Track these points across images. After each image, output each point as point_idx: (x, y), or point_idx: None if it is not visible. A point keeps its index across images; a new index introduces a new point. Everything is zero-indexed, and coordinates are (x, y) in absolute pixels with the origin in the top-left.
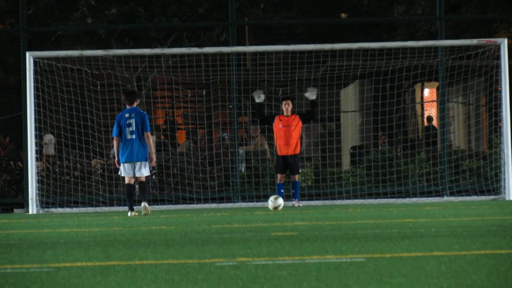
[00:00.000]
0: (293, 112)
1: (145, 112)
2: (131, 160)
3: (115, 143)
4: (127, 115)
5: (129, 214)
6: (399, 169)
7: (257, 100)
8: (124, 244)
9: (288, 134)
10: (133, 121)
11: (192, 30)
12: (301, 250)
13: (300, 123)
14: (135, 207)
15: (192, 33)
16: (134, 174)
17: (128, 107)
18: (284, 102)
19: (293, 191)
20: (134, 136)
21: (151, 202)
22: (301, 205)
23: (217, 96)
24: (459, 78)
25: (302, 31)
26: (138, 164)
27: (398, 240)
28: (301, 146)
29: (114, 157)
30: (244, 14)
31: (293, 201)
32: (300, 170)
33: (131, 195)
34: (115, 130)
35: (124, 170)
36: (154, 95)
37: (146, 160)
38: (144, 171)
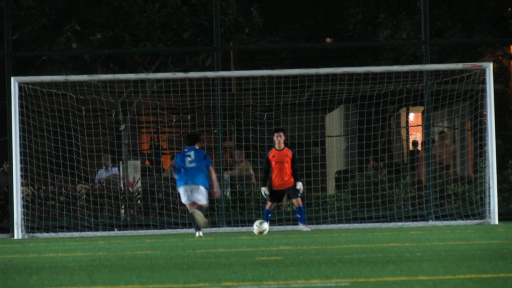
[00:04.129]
0: (285, 145)
1: (202, 150)
2: (189, 183)
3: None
4: (186, 149)
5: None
6: (384, 194)
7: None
8: (109, 268)
9: (282, 171)
10: (192, 153)
11: (177, 55)
12: (286, 274)
13: (291, 155)
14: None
15: (177, 58)
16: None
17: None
18: (276, 134)
19: (299, 216)
20: (193, 165)
21: (136, 226)
22: (309, 229)
23: (202, 121)
24: (444, 102)
25: (287, 55)
26: (195, 187)
27: (383, 264)
28: (298, 177)
29: (99, 182)
30: (229, 39)
31: (300, 225)
32: (299, 194)
33: (193, 219)
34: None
35: (184, 195)
36: (139, 120)
37: (204, 186)
38: (202, 197)
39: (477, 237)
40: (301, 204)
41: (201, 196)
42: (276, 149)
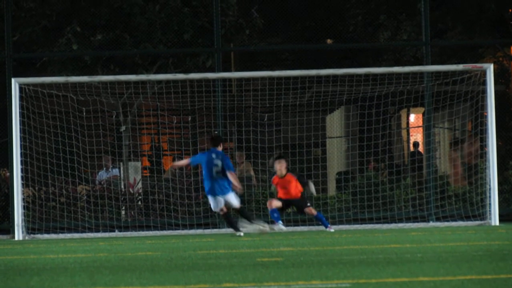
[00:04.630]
0: (288, 170)
1: (226, 156)
2: (218, 194)
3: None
4: (212, 154)
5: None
6: (385, 195)
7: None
8: (110, 270)
9: (287, 188)
10: (219, 162)
11: (177, 56)
12: (286, 275)
13: (295, 178)
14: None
15: (178, 59)
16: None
17: (211, 148)
18: (277, 162)
19: (320, 223)
20: (219, 176)
21: (137, 227)
22: (332, 230)
23: (203, 122)
24: (445, 103)
25: (288, 57)
26: (225, 197)
27: (384, 265)
28: (303, 190)
29: (100, 183)
30: (229, 40)
31: (327, 228)
32: (309, 204)
33: (229, 220)
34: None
35: (214, 205)
36: (139, 121)
37: (231, 192)
38: (234, 201)
39: (477, 238)
40: (315, 212)
41: (232, 200)
42: (278, 176)
